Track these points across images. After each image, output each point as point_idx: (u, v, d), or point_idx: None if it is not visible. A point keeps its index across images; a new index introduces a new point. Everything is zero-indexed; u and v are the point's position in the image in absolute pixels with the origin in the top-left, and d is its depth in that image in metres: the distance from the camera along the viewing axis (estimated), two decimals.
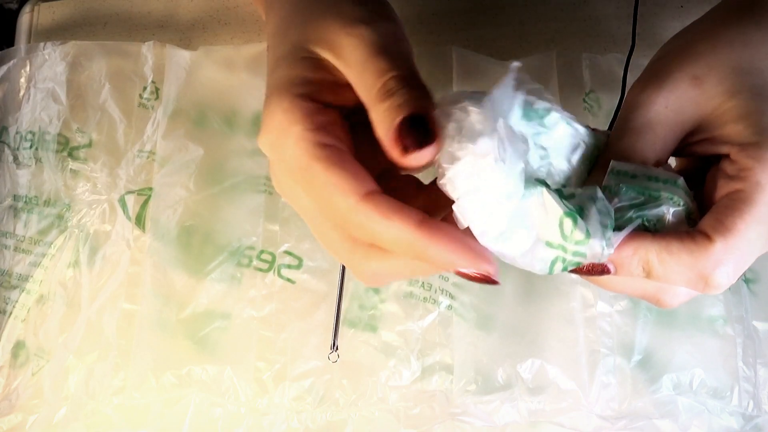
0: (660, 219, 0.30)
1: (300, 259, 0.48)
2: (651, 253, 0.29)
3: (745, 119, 0.30)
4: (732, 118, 0.31)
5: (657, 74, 0.33)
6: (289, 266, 0.48)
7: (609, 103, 0.51)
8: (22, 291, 0.49)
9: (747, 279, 0.49)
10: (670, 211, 0.30)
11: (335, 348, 0.43)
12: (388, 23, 0.32)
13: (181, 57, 0.52)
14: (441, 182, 0.29)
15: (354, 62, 0.30)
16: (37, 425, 0.46)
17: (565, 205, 0.28)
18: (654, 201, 0.30)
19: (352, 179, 0.29)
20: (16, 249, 0.50)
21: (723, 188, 0.31)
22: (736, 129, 0.30)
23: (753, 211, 0.29)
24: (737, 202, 0.29)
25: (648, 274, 0.30)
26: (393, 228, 0.28)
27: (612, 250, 0.29)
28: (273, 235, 0.49)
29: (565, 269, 0.29)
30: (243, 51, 0.52)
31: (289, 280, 0.48)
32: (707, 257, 0.29)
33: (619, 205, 0.30)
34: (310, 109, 0.30)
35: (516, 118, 0.30)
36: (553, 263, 0.29)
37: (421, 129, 0.28)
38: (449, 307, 0.47)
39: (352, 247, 0.30)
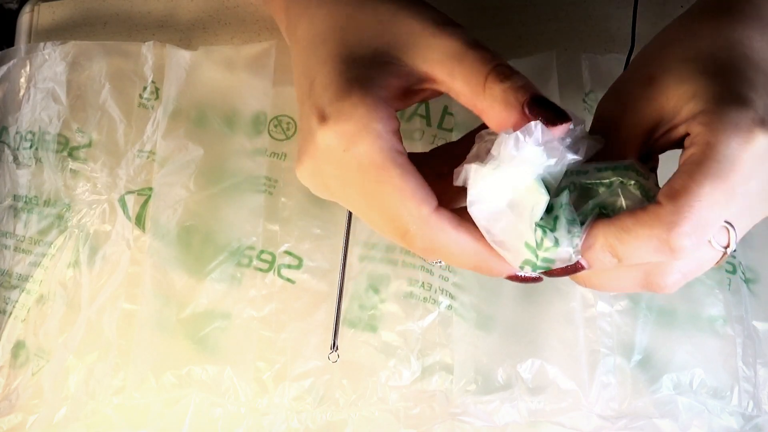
0: (614, 203, 0.31)
1: (300, 259, 0.48)
2: (610, 237, 0.30)
3: (695, 97, 0.31)
4: (684, 101, 0.31)
5: (616, 84, 0.35)
6: (289, 266, 0.48)
7: None
8: (22, 291, 0.49)
9: (747, 279, 0.49)
10: (622, 193, 0.31)
11: (335, 348, 0.43)
12: (463, 28, 0.34)
13: (181, 57, 0.52)
14: (486, 132, 0.32)
15: (447, 58, 0.32)
16: (37, 425, 0.46)
17: (542, 216, 0.30)
18: (607, 188, 0.31)
19: (425, 190, 0.31)
20: (16, 249, 0.50)
21: (680, 161, 0.31)
22: (688, 107, 0.31)
23: (703, 170, 0.29)
24: (688, 165, 0.30)
25: (618, 259, 0.30)
26: (462, 240, 0.31)
27: (579, 257, 0.31)
28: (273, 235, 0.49)
29: (534, 270, 0.32)
30: (243, 51, 0.52)
31: (289, 280, 0.48)
32: (661, 223, 0.29)
33: (575, 199, 0.31)
34: (391, 114, 0.31)
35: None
36: (524, 263, 0.31)
37: (550, 107, 0.30)
38: (449, 307, 0.47)
39: (410, 242, 0.32)
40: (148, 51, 0.53)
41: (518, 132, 0.30)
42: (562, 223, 0.30)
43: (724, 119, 0.29)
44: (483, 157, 0.31)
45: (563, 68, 0.52)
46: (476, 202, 0.30)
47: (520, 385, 0.45)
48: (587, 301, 0.47)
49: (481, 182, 0.30)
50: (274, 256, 0.48)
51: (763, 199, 0.31)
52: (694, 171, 0.29)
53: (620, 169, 0.31)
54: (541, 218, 0.30)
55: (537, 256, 0.31)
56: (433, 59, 0.32)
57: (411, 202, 0.30)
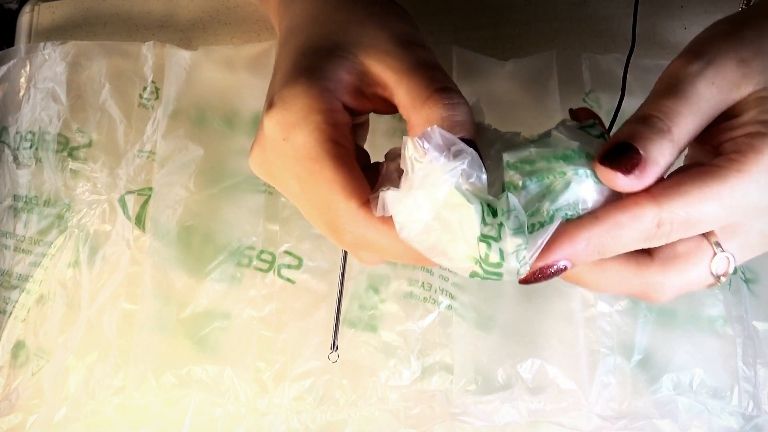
0: (576, 205, 0.29)
1: (300, 259, 0.48)
2: (602, 235, 0.29)
3: (763, 106, 0.30)
4: (756, 105, 0.30)
5: (704, 51, 0.32)
6: (289, 266, 0.48)
7: (609, 103, 0.51)
8: (22, 291, 0.49)
9: (747, 279, 0.49)
10: (587, 189, 0.29)
11: (335, 348, 0.43)
12: (429, 47, 0.34)
13: (181, 57, 0.52)
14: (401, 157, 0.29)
15: (400, 67, 0.32)
16: (37, 425, 0.46)
17: (483, 227, 0.28)
18: (562, 179, 0.29)
19: (357, 184, 0.30)
20: (16, 249, 0.50)
21: (703, 158, 0.30)
22: (753, 115, 0.30)
23: (717, 188, 0.28)
24: (706, 174, 0.29)
25: (603, 254, 0.29)
26: (392, 235, 0.30)
27: (528, 268, 0.29)
28: (273, 235, 0.49)
29: (483, 280, 0.30)
30: (243, 51, 0.52)
31: (289, 280, 0.48)
32: (650, 213, 0.28)
33: (528, 199, 0.29)
34: (335, 105, 0.31)
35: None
36: (471, 274, 0.29)
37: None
38: (449, 307, 0.47)
39: (339, 237, 0.32)
40: (148, 51, 0.53)
41: (416, 138, 0.28)
42: (507, 233, 0.28)
43: None
44: (395, 178, 0.30)
45: (563, 68, 0.52)
46: (404, 228, 0.29)
47: (520, 385, 0.45)
48: (587, 301, 0.47)
49: (399, 206, 0.29)
50: (274, 256, 0.48)
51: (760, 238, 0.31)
52: (707, 182, 0.28)
53: (573, 156, 0.29)
54: (486, 224, 0.28)
55: (483, 269, 0.29)
56: (387, 64, 0.32)
57: (340, 195, 0.30)
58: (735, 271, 0.48)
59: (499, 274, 0.29)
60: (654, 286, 0.31)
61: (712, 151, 0.31)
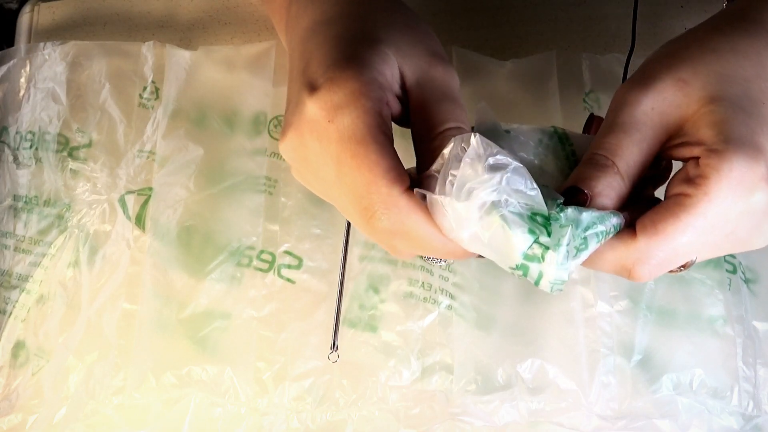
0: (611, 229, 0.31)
1: (300, 259, 0.48)
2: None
3: (717, 125, 0.30)
4: (706, 123, 0.31)
5: (645, 76, 0.33)
6: (289, 266, 0.48)
7: (609, 103, 0.51)
8: (22, 291, 0.49)
9: (747, 279, 0.49)
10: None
11: (335, 348, 0.43)
12: (452, 65, 0.35)
13: (181, 57, 0.52)
14: (439, 170, 0.30)
15: (430, 88, 0.33)
16: (37, 425, 0.46)
17: (528, 248, 0.29)
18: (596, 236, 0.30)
19: (400, 171, 0.30)
20: (16, 249, 0.50)
21: (675, 188, 0.31)
22: (707, 134, 0.30)
23: (689, 219, 0.29)
24: (678, 207, 0.30)
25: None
26: (430, 225, 0.30)
27: (559, 292, 0.30)
28: (273, 235, 0.49)
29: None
30: (243, 51, 0.52)
31: (289, 280, 0.48)
32: (628, 253, 0.30)
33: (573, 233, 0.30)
34: (383, 97, 0.32)
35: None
36: (510, 273, 0.31)
37: None
38: (449, 307, 0.47)
39: (374, 225, 0.32)
40: (148, 51, 0.53)
41: (457, 138, 0.29)
42: (553, 262, 0.28)
43: (734, 170, 0.29)
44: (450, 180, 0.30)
45: (563, 68, 0.52)
46: (449, 232, 0.30)
47: (520, 385, 0.45)
48: (587, 301, 0.47)
49: (448, 213, 0.29)
50: (274, 256, 0.48)
51: (736, 242, 0.32)
52: (680, 218, 0.29)
53: (606, 219, 0.31)
54: (534, 243, 0.28)
55: (519, 278, 0.30)
56: (416, 82, 0.33)
57: (383, 179, 0.30)
58: (735, 271, 0.48)
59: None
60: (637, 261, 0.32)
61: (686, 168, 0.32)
